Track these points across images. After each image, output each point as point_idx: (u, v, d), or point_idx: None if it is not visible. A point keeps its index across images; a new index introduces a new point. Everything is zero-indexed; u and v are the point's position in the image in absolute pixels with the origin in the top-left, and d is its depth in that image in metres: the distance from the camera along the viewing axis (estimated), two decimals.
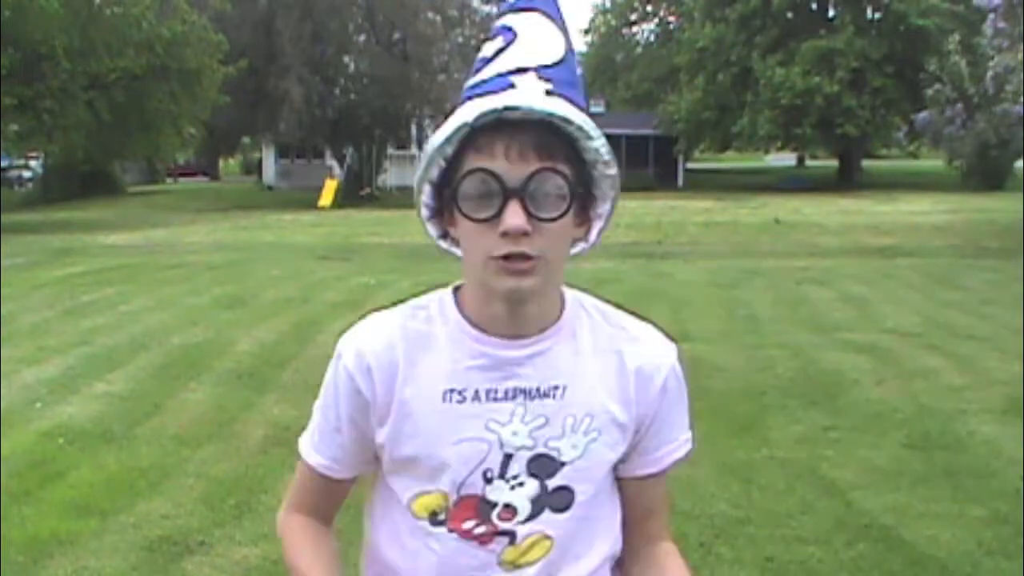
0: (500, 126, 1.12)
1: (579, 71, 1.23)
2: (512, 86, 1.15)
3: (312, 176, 35.12)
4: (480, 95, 1.15)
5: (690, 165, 42.92)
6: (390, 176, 35.17)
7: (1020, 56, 16.45)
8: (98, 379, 6.63)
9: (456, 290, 1.26)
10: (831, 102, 32.79)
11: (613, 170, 1.19)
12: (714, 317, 9.19)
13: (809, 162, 47.90)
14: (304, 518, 1.35)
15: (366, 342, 1.23)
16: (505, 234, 1.12)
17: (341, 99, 33.48)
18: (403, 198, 30.88)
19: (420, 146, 33.07)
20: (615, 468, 1.28)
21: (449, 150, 1.16)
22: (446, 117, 1.21)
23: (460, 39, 33.86)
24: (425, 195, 1.21)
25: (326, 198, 29.96)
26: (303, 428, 1.37)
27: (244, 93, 28.17)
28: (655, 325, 1.35)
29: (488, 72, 1.18)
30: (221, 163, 53.22)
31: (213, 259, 14.60)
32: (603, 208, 1.22)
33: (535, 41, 1.19)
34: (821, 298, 10.37)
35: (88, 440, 5.36)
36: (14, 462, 4.96)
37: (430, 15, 33.05)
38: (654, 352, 1.27)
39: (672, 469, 1.31)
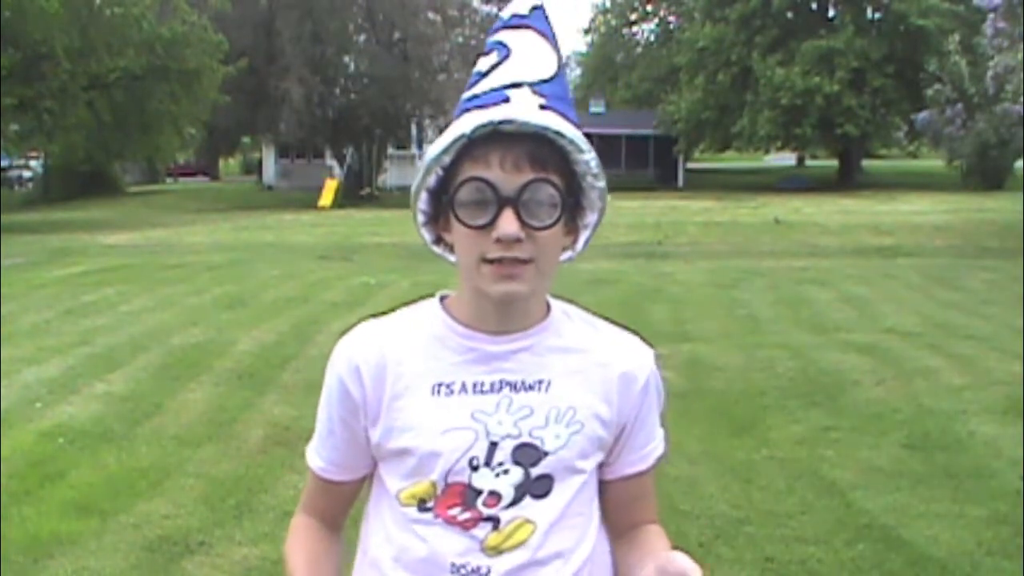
0: (496, 138, 1.18)
1: (570, 88, 1.29)
2: (507, 100, 1.21)
3: (312, 176, 35.10)
4: (476, 108, 1.21)
5: (690, 165, 42.90)
6: (390, 176, 35.17)
7: (1020, 56, 16.44)
8: (98, 379, 6.63)
9: (442, 299, 1.33)
10: (831, 102, 32.77)
11: (601, 182, 1.25)
12: (714, 317, 9.19)
13: (809, 162, 47.90)
14: (308, 519, 1.40)
15: (355, 346, 1.30)
16: (499, 240, 1.18)
17: (341, 99, 33.48)
18: (403, 198, 30.78)
19: (420, 146, 33.11)
20: (601, 471, 1.33)
21: (447, 159, 1.21)
22: (446, 118, 1.23)
23: (460, 39, 33.86)
24: (422, 202, 1.27)
25: (326, 198, 29.95)
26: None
27: (244, 93, 28.18)
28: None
29: (484, 86, 1.24)
30: (221, 163, 53.20)
31: (213, 259, 14.61)
32: (591, 218, 1.28)
33: (529, 58, 1.25)
34: (821, 298, 10.37)
35: (88, 440, 5.36)
36: (14, 462, 4.97)
37: (430, 15, 33.04)
38: (635, 356, 1.33)
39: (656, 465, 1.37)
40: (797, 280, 11.72)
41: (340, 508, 1.39)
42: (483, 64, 1.27)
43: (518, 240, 1.18)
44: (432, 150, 1.21)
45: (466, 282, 1.26)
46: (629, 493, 1.35)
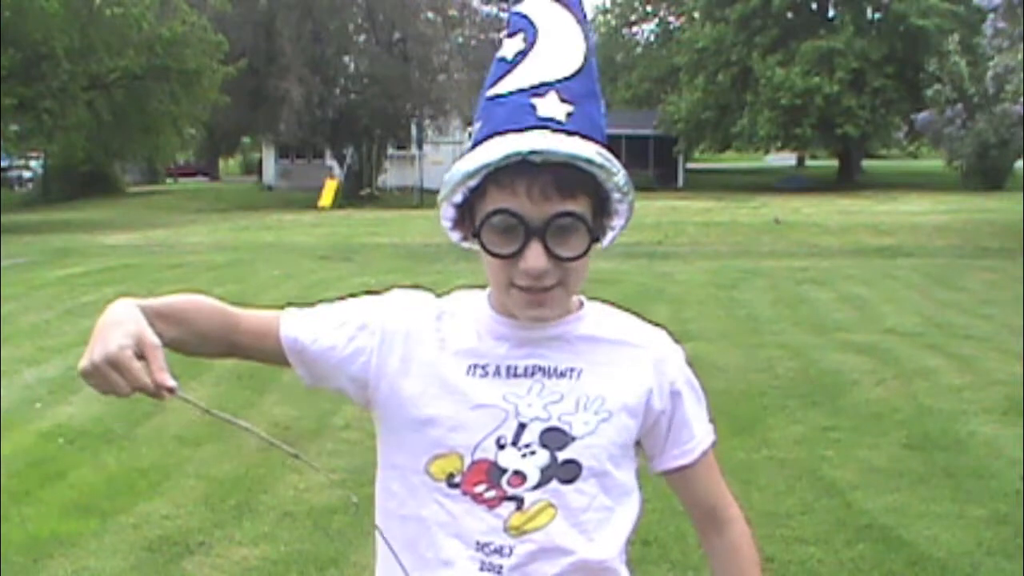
0: (523, 164, 1.17)
1: (597, 72, 1.26)
2: (533, 109, 1.19)
3: (312, 176, 35.09)
4: (501, 124, 1.19)
5: (690, 165, 42.88)
6: (390, 176, 35.17)
7: (1020, 56, 16.45)
8: None
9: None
10: (831, 102, 32.78)
11: (630, 197, 1.25)
12: (714, 317, 9.20)
13: (809, 162, 47.89)
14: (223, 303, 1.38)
15: (418, 297, 1.36)
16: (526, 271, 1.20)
17: (341, 99, 33.48)
18: (403, 198, 30.89)
19: (420, 146, 33.06)
20: (650, 464, 1.36)
21: (473, 182, 1.21)
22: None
23: (460, 39, 33.87)
24: (446, 210, 1.27)
25: (326, 198, 29.94)
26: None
27: (244, 93, 28.18)
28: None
29: (509, 83, 1.22)
30: (221, 163, 53.22)
31: (213, 259, 14.61)
32: (618, 222, 1.28)
33: (555, 45, 1.22)
34: (821, 298, 10.37)
35: (88, 440, 5.36)
36: (14, 462, 4.97)
37: (430, 15, 33.06)
38: (666, 357, 1.34)
39: (704, 456, 1.38)
40: (797, 280, 11.72)
41: (252, 343, 1.39)
42: (508, 49, 1.24)
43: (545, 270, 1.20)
44: (458, 169, 1.20)
45: (496, 295, 1.29)
46: (686, 485, 1.38)
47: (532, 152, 1.16)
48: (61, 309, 9.86)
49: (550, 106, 1.19)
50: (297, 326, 1.33)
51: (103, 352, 1.16)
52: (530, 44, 1.23)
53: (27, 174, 38.82)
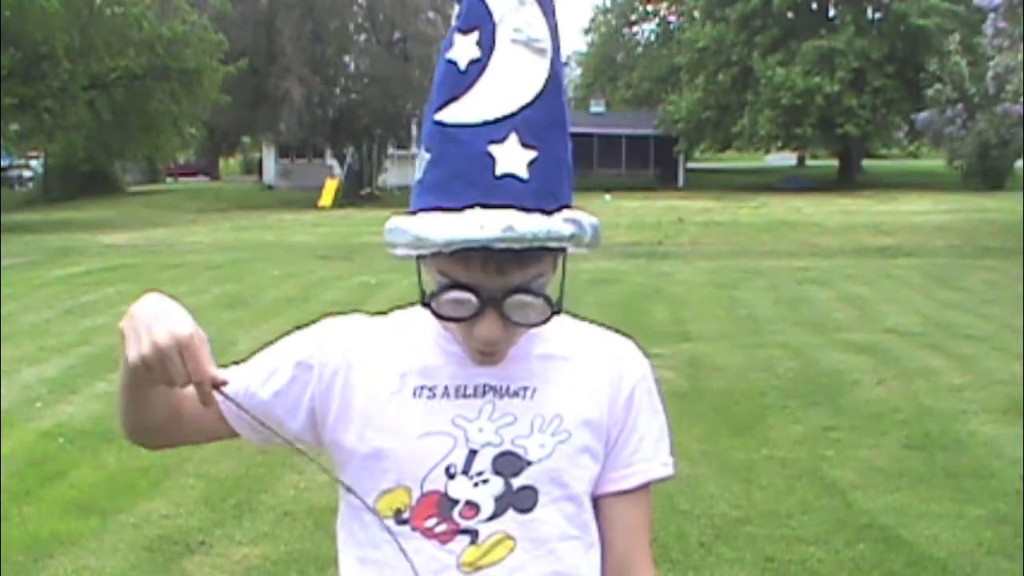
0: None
1: (562, 77, 1.11)
2: (492, 163, 1.05)
3: (312, 176, 35.10)
4: (456, 176, 1.06)
5: (690, 165, 42.88)
6: (390, 176, 35.16)
7: (1020, 56, 16.45)
8: (98, 379, 6.63)
9: None
10: (831, 102, 32.79)
11: (597, 241, 1.12)
12: (714, 317, 9.19)
13: (809, 162, 47.89)
14: None
15: (351, 326, 1.25)
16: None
17: (341, 99, 33.49)
18: (403, 198, 30.76)
19: (420, 146, 33.08)
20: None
21: (423, 252, 1.09)
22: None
23: None
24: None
25: (326, 198, 29.96)
26: None
27: (244, 93, 28.17)
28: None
29: (464, 110, 1.07)
30: (221, 163, 53.21)
31: (214, 259, 14.61)
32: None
33: (517, 56, 1.08)
34: (821, 298, 10.38)
35: (88, 440, 5.36)
36: (14, 462, 4.97)
37: (430, 15, 33.05)
38: (625, 362, 1.24)
39: (646, 491, 1.24)
40: (797, 280, 11.73)
41: (193, 413, 1.20)
42: (460, 52, 1.09)
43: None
44: (409, 229, 1.08)
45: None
46: (614, 516, 1.22)
47: (495, 239, 1.03)
48: (61, 309, 9.87)
49: (510, 157, 1.05)
50: (232, 384, 1.16)
51: (172, 334, 1.02)
52: (487, 51, 1.08)
53: (27, 174, 38.83)
